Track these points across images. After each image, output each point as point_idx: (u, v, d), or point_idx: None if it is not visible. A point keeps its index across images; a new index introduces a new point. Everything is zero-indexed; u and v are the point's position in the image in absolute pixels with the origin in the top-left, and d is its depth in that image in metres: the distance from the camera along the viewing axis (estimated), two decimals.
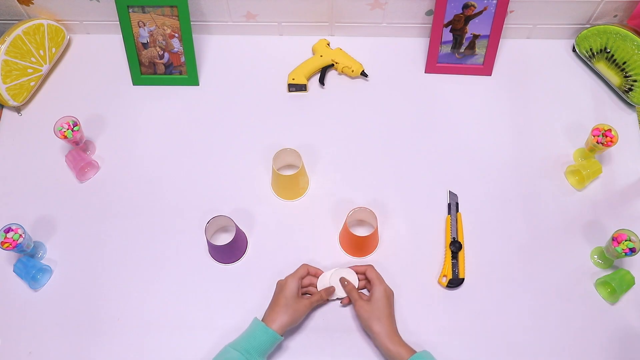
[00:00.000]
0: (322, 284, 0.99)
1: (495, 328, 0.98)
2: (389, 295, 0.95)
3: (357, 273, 0.99)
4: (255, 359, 0.87)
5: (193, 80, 1.23)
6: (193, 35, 1.17)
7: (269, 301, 0.97)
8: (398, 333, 0.92)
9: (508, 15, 1.20)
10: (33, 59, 1.19)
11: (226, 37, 1.29)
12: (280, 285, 0.96)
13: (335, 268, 1.00)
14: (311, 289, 0.99)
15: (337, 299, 0.99)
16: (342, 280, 0.98)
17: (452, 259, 1.01)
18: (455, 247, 1.01)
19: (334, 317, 0.99)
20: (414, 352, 0.88)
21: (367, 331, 0.94)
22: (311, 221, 1.08)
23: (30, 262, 1.01)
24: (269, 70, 1.24)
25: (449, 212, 1.07)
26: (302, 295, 0.96)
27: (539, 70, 1.25)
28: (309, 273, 0.99)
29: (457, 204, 1.07)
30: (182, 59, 1.20)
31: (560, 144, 1.16)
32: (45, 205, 1.10)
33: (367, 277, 0.98)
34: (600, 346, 0.96)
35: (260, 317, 0.92)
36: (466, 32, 1.18)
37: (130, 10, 1.14)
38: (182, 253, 1.05)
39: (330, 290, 0.98)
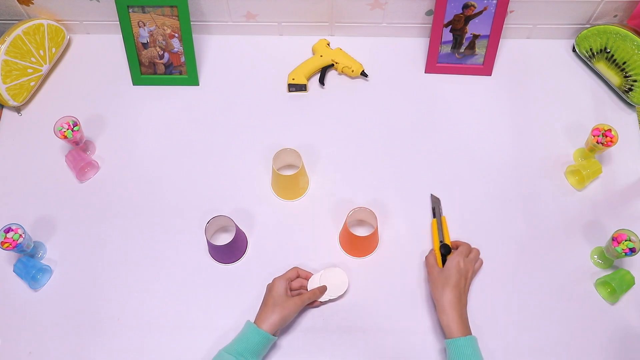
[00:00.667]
0: (312, 285, 0.99)
1: (495, 328, 0.98)
2: (462, 269, 0.95)
3: (454, 247, 1.02)
4: None
5: (193, 80, 1.23)
6: (193, 35, 1.17)
7: None
8: (459, 308, 0.91)
9: (508, 15, 1.20)
10: (33, 59, 1.19)
11: (226, 37, 1.29)
12: (269, 287, 0.96)
13: (324, 269, 1.00)
14: (302, 290, 0.99)
15: (330, 300, 0.99)
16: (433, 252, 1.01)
17: (442, 263, 0.99)
18: (445, 249, 1.00)
19: (334, 317, 0.99)
20: (467, 333, 0.89)
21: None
22: (311, 221, 1.08)
23: (30, 262, 1.01)
24: (269, 70, 1.24)
25: (434, 216, 1.06)
26: (292, 295, 0.96)
27: (539, 70, 1.25)
28: (299, 276, 0.99)
29: (439, 207, 1.08)
30: (182, 59, 1.20)
31: (560, 144, 1.16)
32: (45, 205, 1.10)
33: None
34: (600, 346, 0.96)
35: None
36: (466, 32, 1.18)
37: (130, 10, 1.14)
38: (182, 253, 1.05)
39: (323, 289, 0.98)
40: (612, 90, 1.21)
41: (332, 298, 0.99)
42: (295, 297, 0.94)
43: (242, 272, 1.04)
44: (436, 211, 1.06)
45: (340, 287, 0.99)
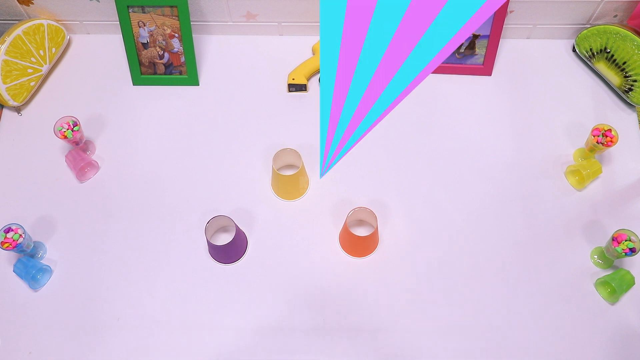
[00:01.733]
0: None
1: (495, 328, 0.98)
2: None
3: None
4: None
5: (193, 80, 1.23)
6: (193, 35, 1.17)
7: (268, 301, 0.97)
8: None
9: (508, 15, 1.20)
10: (33, 59, 1.19)
11: (226, 37, 1.29)
12: None
13: None
14: None
15: None
16: None
17: None
18: None
19: (334, 317, 0.99)
20: None
21: None
22: (311, 221, 1.08)
23: (30, 262, 1.01)
24: (269, 70, 1.24)
25: None
26: None
27: (539, 70, 1.25)
28: None
29: None
30: (182, 59, 1.20)
31: (560, 144, 1.16)
32: (45, 205, 1.10)
33: None
34: (600, 346, 0.96)
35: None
36: None
37: (130, 10, 1.14)
38: (182, 253, 1.05)
39: None
40: (612, 90, 1.21)
41: None
42: None
43: (242, 272, 1.04)
44: None
45: None
